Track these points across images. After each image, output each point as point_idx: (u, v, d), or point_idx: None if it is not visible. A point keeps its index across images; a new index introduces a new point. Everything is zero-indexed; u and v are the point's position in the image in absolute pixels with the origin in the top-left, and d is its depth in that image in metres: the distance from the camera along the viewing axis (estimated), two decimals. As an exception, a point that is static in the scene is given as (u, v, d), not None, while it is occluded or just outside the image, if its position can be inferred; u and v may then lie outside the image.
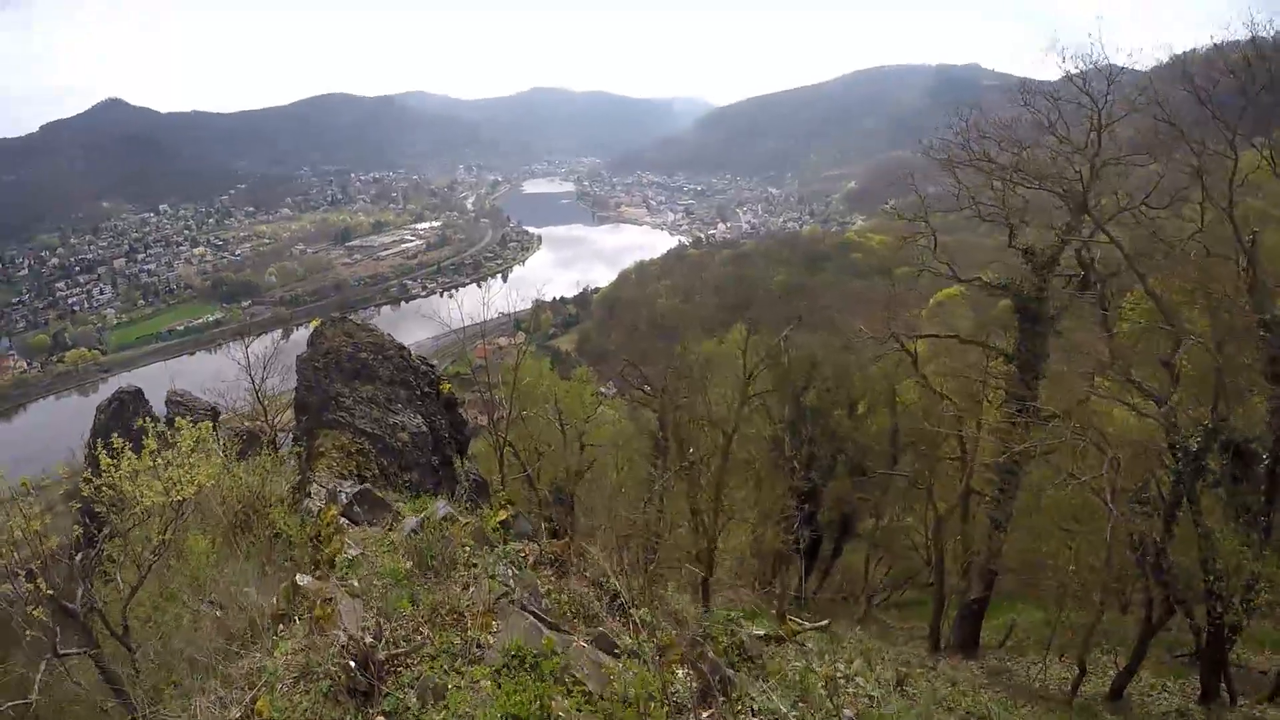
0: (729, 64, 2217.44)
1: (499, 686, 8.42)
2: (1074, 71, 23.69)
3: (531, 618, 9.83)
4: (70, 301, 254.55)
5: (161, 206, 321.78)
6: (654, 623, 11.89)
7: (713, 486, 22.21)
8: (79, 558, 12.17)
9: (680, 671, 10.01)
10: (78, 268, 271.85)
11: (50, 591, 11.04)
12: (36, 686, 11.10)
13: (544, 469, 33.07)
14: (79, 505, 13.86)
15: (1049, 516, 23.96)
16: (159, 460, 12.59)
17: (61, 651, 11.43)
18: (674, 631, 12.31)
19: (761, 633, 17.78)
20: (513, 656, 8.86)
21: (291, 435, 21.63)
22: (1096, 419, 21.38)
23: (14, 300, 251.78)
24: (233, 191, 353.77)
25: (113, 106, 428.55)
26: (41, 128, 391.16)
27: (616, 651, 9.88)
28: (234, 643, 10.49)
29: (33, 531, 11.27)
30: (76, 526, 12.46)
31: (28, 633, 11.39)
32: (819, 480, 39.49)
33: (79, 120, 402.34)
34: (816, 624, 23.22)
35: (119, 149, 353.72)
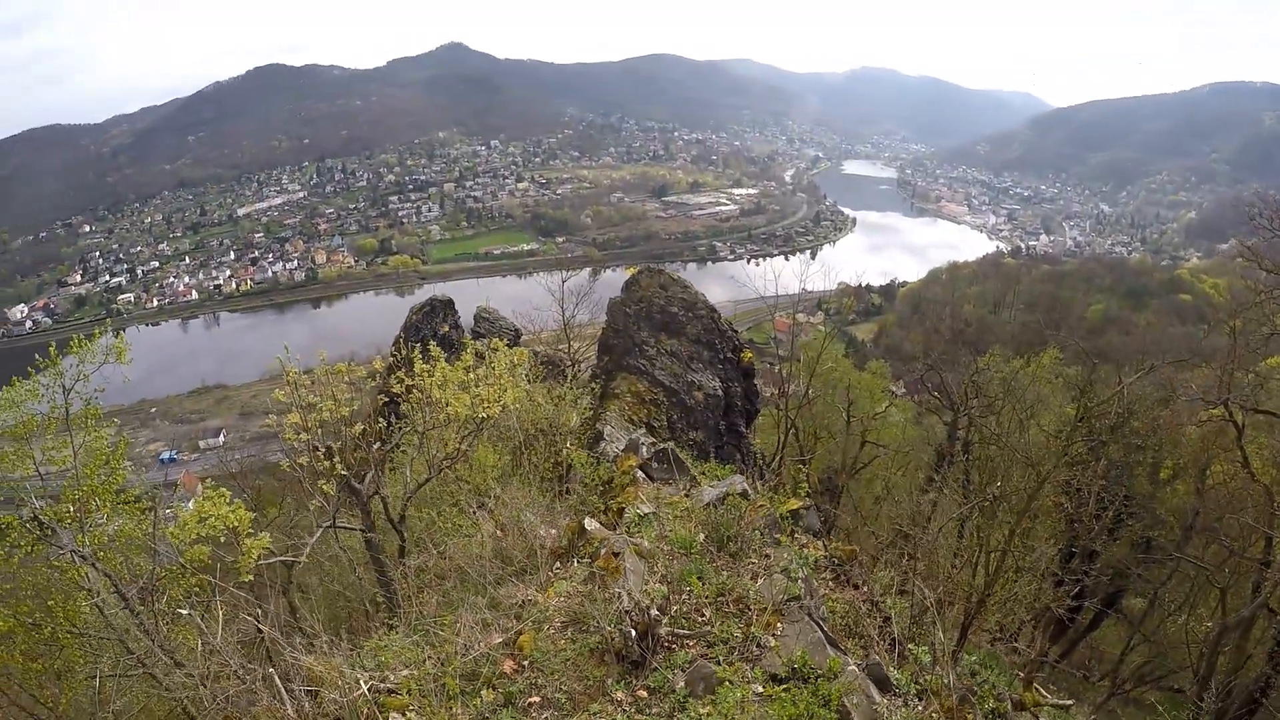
0: (1068, 61, 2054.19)
1: (771, 697, 7.84)
2: None
3: (819, 631, 8.93)
4: (400, 214, 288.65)
5: (493, 142, 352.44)
6: (929, 665, 10.92)
7: (1010, 528, 19.64)
8: (376, 446, 12.60)
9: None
10: (411, 186, 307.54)
11: (344, 472, 11.63)
12: (307, 550, 11.74)
13: (819, 455, 31.60)
14: (385, 398, 14.28)
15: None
16: (471, 375, 12.96)
17: (339, 525, 12.18)
18: (944, 679, 11.02)
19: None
20: (794, 670, 8.24)
21: (590, 371, 21.69)
22: None
23: (351, 207, 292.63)
24: (560, 135, 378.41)
25: (454, 49, 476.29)
26: (389, 62, 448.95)
27: (886, 686, 9.11)
28: (509, 567, 10.47)
29: (341, 415, 11.72)
30: (380, 420, 12.75)
31: (313, 502, 11.85)
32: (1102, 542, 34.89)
33: (422, 59, 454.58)
34: (1060, 702, 20.35)
35: (457, 87, 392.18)
